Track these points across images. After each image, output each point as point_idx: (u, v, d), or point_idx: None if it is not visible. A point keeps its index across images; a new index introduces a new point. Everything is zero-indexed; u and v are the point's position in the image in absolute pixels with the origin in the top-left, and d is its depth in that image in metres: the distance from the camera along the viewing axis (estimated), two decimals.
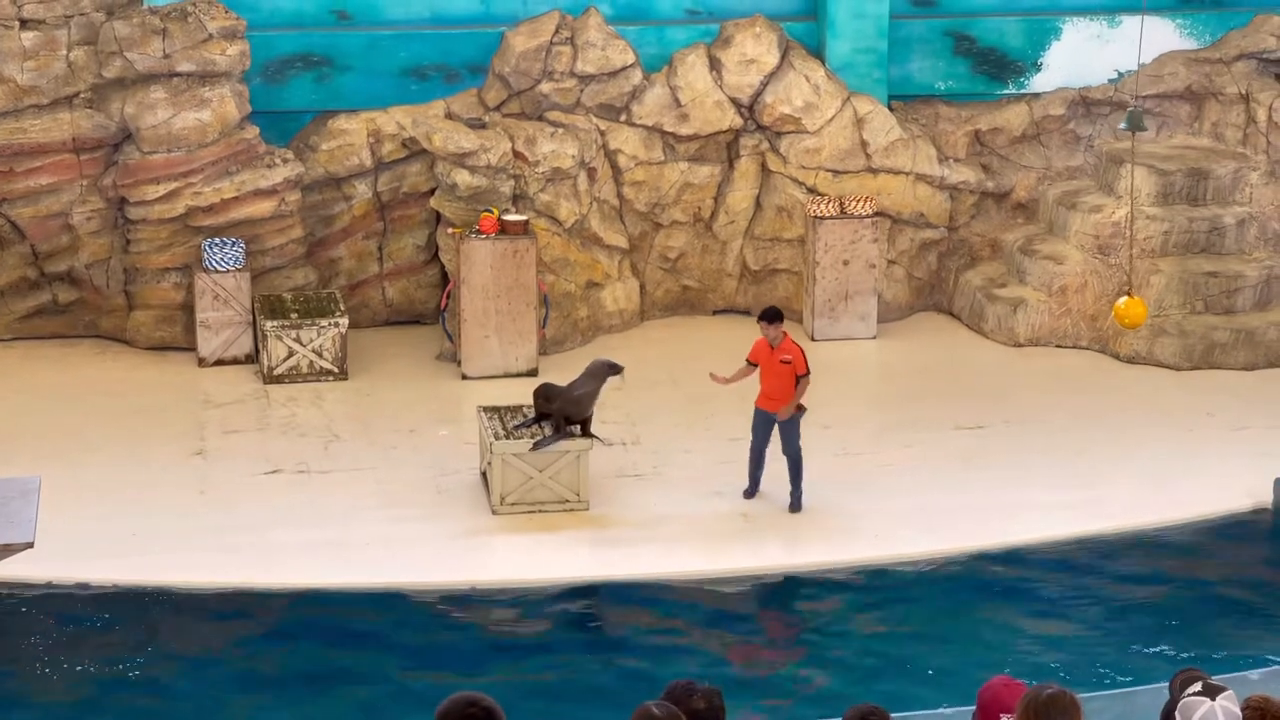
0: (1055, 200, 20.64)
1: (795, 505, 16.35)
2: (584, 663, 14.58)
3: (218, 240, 19.19)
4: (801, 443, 16.31)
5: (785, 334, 16.39)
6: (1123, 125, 17.11)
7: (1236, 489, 16.89)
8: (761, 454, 16.53)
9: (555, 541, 15.87)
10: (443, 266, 20.03)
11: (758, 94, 20.44)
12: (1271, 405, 18.63)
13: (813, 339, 20.12)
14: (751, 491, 16.61)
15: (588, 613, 15.22)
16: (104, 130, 19.37)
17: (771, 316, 16.39)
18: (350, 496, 16.60)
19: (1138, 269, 19.65)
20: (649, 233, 20.65)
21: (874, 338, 20.18)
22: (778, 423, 16.28)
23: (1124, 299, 16.67)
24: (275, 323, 18.84)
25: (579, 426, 16.34)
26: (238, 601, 15.11)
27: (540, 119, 20.12)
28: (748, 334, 20.42)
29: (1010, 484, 16.96)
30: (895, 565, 15.77)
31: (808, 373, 16.22)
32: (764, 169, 20.62)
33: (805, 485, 16.41)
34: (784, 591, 15.47)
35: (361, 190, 20.15)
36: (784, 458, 16.31)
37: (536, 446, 16.16)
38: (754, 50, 20.40)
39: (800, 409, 16.29)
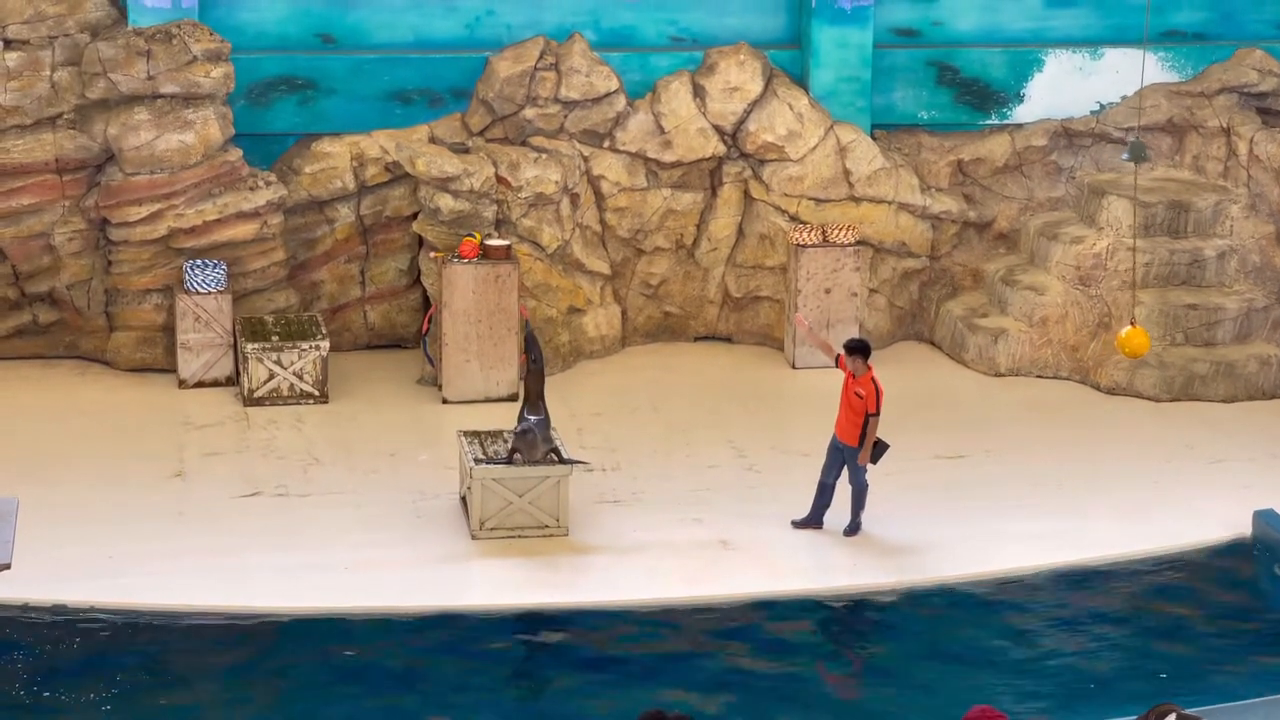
0: (1037, 231, 20.69)
1: (852, 530, 16.36)
2: (561, 689, 14.55)
3: (199, 262, 19.17)
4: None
5: (870, 369, 16.10)
6: (1125, 156, 17.21)
7: (1215, 521, 16.90)
8: (825, 486, 16.41)
9: (534, 566, 15.85)
10: (424, 291, 20.03)
11: (741, 121, 20.48)
12: (1250, 438, 18.68)
13: (794, 367, 20.17)
14: (806, 523, 16.47)
15: (566, 638, 15.19)
16: (87, 151, 19.36)
17: (853, 348, 16.13)
18: (329, 520, 16.57)
19: (1119, 301, 19.72)
20: (631, 259, 20.67)
21: None
22: (847, 460, 16.21)
23: (1127, 328, 16.85)
24: (256, 345, 18.83)
25: (553, 455, 16.33)
26: (216, 624, 15.05)
27: (524, 144, 20.14)
28: (729, 361, 20.54)
29: (990, 514, 16.96)
30: (874, 595, 15.76)
31: (877, 412, 16.02)
32: (747, 196, 20.65)
33: (781, 512, 16.50)
34: (762, 620, 15.44)
35: (344, 214, 20.15)
36: (850, 486, 16.33)
37: (511, 460, 16.19)
38: (738, 78, 20.44)
39: (882, 446, 16.14)
